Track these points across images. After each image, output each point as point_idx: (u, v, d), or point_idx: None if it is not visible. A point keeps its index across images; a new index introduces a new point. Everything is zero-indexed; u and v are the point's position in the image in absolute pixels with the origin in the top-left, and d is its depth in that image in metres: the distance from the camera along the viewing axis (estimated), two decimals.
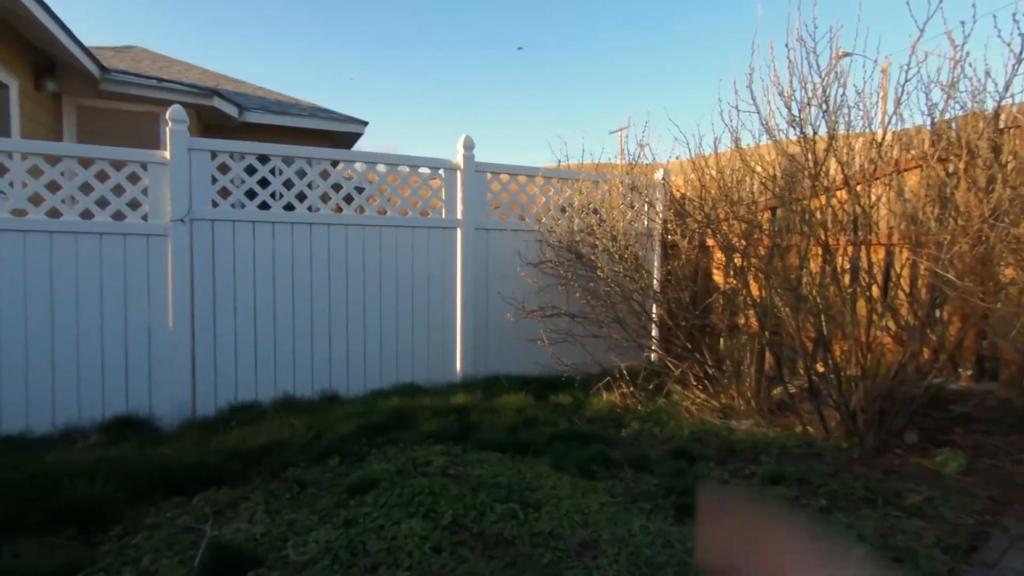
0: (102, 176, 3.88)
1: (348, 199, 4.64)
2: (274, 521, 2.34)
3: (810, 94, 3.33)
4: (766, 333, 3.93)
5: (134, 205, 3.97)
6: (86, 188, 3.87)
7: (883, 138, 3.37)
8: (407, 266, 4.73)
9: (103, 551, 2.14)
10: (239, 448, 3.12)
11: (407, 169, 4.78)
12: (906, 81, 3.12)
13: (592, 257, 4.65)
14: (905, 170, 3.50)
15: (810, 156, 3.42)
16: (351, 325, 4.56)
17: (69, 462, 2.74)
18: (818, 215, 3.49)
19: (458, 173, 4.82)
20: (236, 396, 4.18)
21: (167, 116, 3.97)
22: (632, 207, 5.16)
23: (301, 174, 4.45)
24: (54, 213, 3.84)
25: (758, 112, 3.56)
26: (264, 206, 4.38)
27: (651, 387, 4.34)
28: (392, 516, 2.33)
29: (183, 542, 2.19)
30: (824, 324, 3.49)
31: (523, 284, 4.91)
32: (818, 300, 3.55)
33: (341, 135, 9.73)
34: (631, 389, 4.26)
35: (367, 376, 4.61)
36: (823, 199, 3.47)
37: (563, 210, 5.07)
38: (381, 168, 4.74)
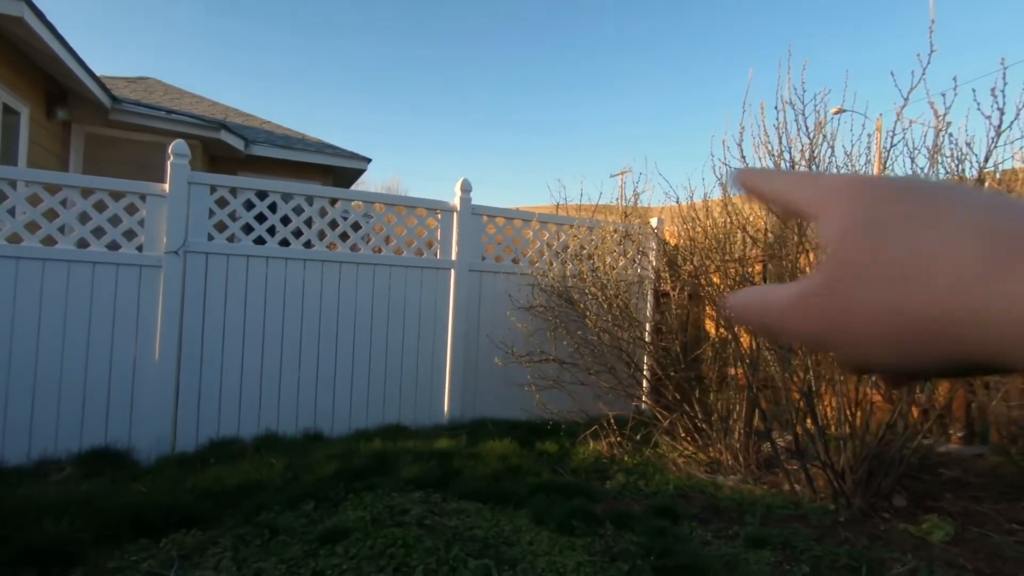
0: (100, 206, 3.93)
1: (344, 236, 4.69)
2: (240, 569, 2.28)
3: (797, 154, 3.40)
4: (755, 386, 3.91)
5: (129, 235, 4.01)
6: (83, 217, 3.92)
7: None
8: (399, 305, 4.73)
9: None
10: (214, 488, 3.06)
11: (404, 209, 4.85)
12: (892, 146, 3.19)
13: (583, 304, 4.66)
14: None
15: None
16: (339, 362, 4.53)
17: (37, 497, 2.69)
18: (807, 270, 3.52)
19: (454, 215, 4.88)
20: (218, 431, 4.12)
21: (169, 150, 4.05)
22: (626, 254, 5.20)
23: (298, 210, 4.51)
24: (49, 241, 3.88)
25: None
26: (260, 241, 4.43)
27: (639, 437, 4.29)
28: (361, 569, 2.27)
29: None
30: (813, 379, 3.47)
31: (514, 328, 4.90)
32: (807, 353, 3.54)
33: (344, 171, 9.89)
34: (618, 439, 4.21)
35: (353, 415, 4.56)
36: (811, 256, 3.51)
37: (557, 255, 5.11)
38: (378, 207, 4.81)
